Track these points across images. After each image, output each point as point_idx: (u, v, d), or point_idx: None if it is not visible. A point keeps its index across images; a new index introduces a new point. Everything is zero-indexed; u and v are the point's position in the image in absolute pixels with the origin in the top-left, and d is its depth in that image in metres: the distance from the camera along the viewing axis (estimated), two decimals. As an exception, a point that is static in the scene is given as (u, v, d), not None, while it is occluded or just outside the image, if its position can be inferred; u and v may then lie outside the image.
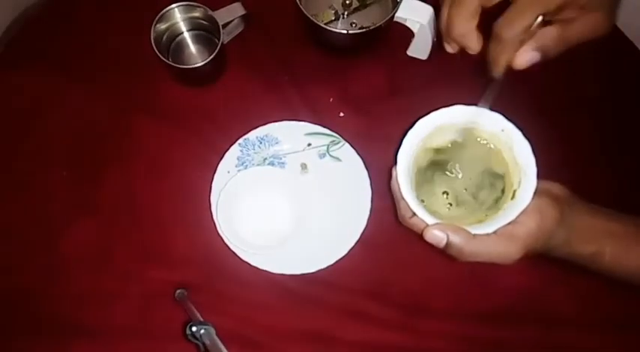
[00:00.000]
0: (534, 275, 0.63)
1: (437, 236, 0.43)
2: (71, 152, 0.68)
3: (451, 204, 0.48)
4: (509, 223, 0.43)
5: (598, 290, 0.62)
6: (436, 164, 0.49)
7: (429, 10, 0.61)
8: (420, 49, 0.67)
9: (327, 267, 0.62)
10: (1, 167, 0.67)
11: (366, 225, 0.64)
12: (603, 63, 0.69)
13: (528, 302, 0.63)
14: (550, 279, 0.63)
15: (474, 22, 0.42)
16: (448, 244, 0.43)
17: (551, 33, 0.41)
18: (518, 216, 0.43)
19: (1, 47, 0.72)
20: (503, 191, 0.47)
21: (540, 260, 0.62)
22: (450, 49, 0.46)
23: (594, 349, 0.61)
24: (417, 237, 0.46)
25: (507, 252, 0.44)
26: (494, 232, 0.44)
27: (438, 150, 0.48)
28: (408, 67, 0.70)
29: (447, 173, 0.49)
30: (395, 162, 0.45)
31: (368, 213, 0.64)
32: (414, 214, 0.45)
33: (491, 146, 0.47)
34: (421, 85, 0.68)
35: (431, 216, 0.44)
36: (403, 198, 0.44)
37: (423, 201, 0.47)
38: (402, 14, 0.61)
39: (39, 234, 0.65)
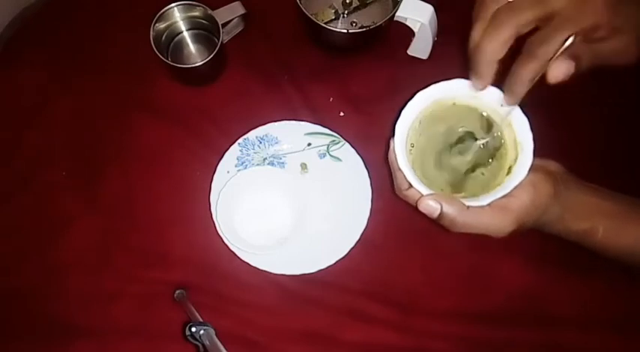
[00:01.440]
0: (534, 275, 0.63)
1: (431, 206, 0.43)
2: (70, 152, 0.68)
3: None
4: (503, 196, 0.43)
5: (598, 290, 0.62)
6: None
7: (429, 9, 0.60)
8: (420, 48, 0.67)
9: (327, 267, 0.62)
10: (0, 167, 0.67)
11: (367, 225, 0.63)
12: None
13: (529, 302, 0.63)
14: (550, 279, 0.63)
15: (503, 52, 0.41)
16: (441, 214, 0.43)
17: (582, 46, 0.40)
18: (512, 190, 0.43)
19: (0, 46, 0.72)
20: (499, 165, 0.47)
21: (541, 260, 0.62)
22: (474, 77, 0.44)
23: (594, 349, 0.61)
24: (414, 209, 0.46)
25: (500, 224, 0.44)
26: (488, 205, 0.44)
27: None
28: (408, 67, 0.69)
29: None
30: (392, 134, 0.45)
31: (368, 213, 0.64)
32: (410, 186, 0.45)
33: (489, 120, 0.47)
34: (422, 85, 0.67)
35: (426, 188, 0.44)
36: (399, 169, 0.44)
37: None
38: (403, 13, 0.61)
39: (38, 234, 0.65)
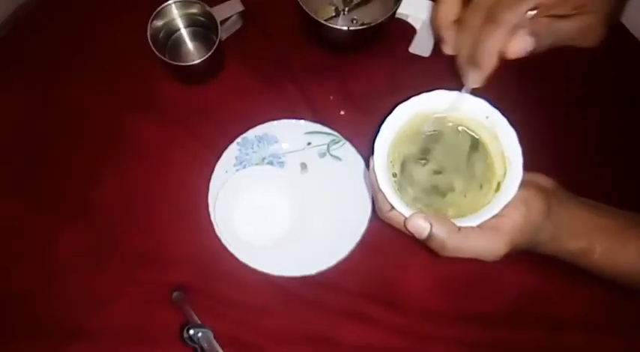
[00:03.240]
0: (536, 277, 0.62)
1: (419, 225, 0.40)
2: (66, 151, 0.67)
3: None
4: (493, 216, 0.41)
5: (601, 292, 0.61)
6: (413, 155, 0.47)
7: (431, 5, 0.60)
8: (422, 46, 0.67)
9: (328, 269, 0.61)
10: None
11: (368, 226, 0.63)
12: (604, 58, 0.68)
13: (530, 305, 0.62)
14: (552, 281, 0.62)
15: (456, 10, 0.41)
16: (430, 236, 0.40)
17: (543, 21, 0.39)
18: (503, 209, 0.41)
19: (-6, 45, 0.71)
20: (487, 183, 0.44)
21: (542, 262, 0.61)
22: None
23: (596, 351, 0.60)
24: (397, 232, 0.44)
25: (493, 247, 0.42)
26: (478, 226, 0.41)
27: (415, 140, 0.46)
28: (409, 65, 0.69)
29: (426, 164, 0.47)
30: (372, 152, 0.43)
31: (369, 213, 0.63)
32: (393, 207, 0.42)
33: (473, 134, 0.45)
34: (423, 83, 0.66)
35: (409, 209, 0.42)
36: (380, 190, 0.42)
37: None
38: (404, 10, 0.61)
39: (35, 235, 0.64)
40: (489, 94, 0.43)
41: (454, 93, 0.43)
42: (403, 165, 0.46)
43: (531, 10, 0.38)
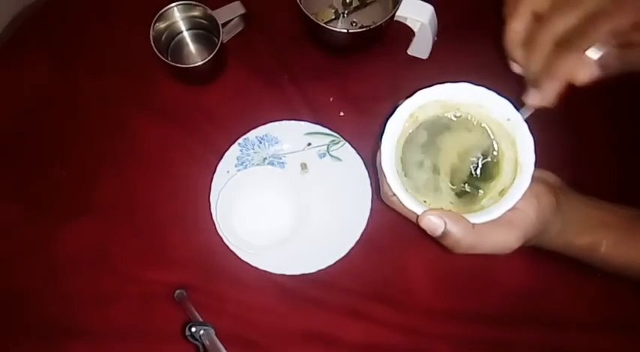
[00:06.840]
0: (537, 275, 0.63)
1: (434, 223, 0.39)
2: (69, 151, 0.68)
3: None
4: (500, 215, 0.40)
5: (601, 290, 0.61)
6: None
7: (429, 8, 0.60)
8: (420, 48, 0.67)
9: (327, 268, 0.62)
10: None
11: (367, 225, 0.63)
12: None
13: (530, 303, 0.63)
14: (552, 280, 0.63)
15: (527, 27, 0.40)
16: (445, 233, 0.39)
17: (613, 51, 0.38)
18: (516, 203, 0.40)
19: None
20: (493, 184, 0.43)
21: (543, 260, 0.62)
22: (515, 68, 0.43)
23: (598, 350, 0.61)
24: (400, 217, 0.43)
25: (506, 241, 0.41)
26: (492, 220, 0.40)
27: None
28: (408, 67, 0.69)
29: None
30: (382, 132, 0.41)
31: (368, 213, 0.64)
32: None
33: (490, 134, 0.44)
34: (422, 85, 0.67)
35: (421, 206, 0.41)
36: (384, 174, 0.41)
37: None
38: (403, 13, 0.61)
39: (36, 234, 0.65)
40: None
41: (480, 89, 0.42)
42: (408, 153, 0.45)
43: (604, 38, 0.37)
